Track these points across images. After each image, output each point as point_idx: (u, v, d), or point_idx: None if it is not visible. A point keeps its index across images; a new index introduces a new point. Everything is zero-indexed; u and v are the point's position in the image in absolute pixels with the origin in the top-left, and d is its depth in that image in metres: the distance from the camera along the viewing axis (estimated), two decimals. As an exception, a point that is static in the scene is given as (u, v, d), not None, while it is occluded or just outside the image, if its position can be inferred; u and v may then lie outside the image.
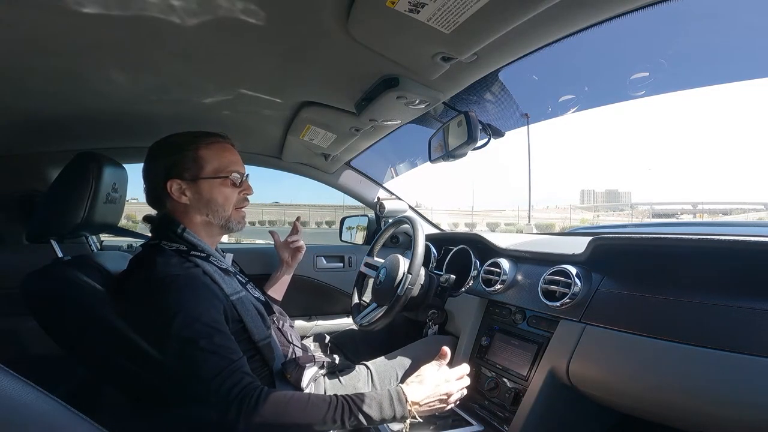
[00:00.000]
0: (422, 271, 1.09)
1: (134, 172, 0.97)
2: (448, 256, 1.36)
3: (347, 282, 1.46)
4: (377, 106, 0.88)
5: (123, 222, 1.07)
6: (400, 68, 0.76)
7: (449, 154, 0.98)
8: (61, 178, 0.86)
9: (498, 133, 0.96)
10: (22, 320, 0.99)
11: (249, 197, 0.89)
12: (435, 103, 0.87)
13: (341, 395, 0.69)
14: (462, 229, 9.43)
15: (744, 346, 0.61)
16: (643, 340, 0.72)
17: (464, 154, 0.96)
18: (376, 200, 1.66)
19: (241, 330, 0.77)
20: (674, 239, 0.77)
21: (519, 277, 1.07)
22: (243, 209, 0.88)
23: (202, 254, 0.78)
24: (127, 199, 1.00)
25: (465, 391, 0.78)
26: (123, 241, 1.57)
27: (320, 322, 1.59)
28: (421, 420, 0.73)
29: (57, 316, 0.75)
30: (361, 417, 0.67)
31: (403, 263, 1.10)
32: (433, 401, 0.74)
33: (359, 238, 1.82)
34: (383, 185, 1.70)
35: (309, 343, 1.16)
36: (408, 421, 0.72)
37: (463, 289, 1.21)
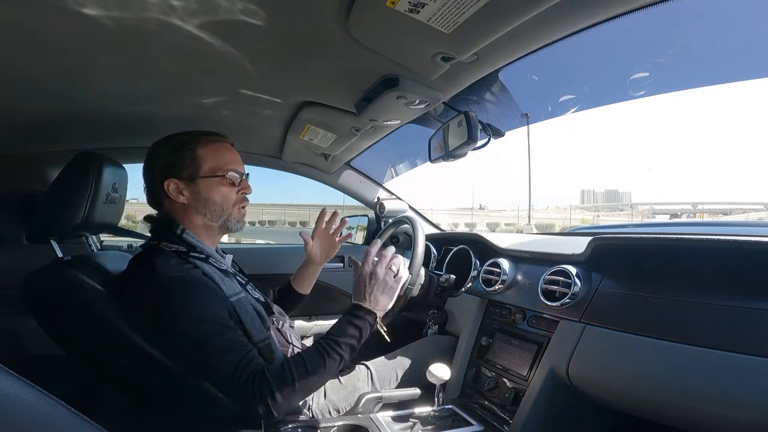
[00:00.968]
0: (422, 271, 1.09)
1: (134, 172, 0.97)
2: (448, 256, 1.36)
3: (347, 282, 1.46)
4: (377, 106, 0.88)
5: (123, 222, 1.07)
6: (400, 68, 0.76)
7: (449, 154, 0.98)
8: (61, 178, 0.86)
9: (498, 133, 0.96)
10: (22, 320, 0.99)
11: (248, 197, 0.89)
12: (435, 103, 0.87)
13: (322, 341, 0.74)
14: (462, 229, 9.43)
15: (744, 346, 0.61)
16: (643, 340, 0.72)
17: (464, 154, 0.96)
18: (376, 200, 1.66)
19: (241, 332, 0.77)
20: (674, 239, 0.77)
21: (519, 277, 1.07)
22: (243, 208, 0.88)
23: (202, 255, 0.78)
24: (127, 199, 1.00)
25: (398, 258, 0.85)
26: (123, 241, 1.57)
27: (320, 322, 1.59)
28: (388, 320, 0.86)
29: (57, 316, 0.75)
30: (348, 350, 0.74)
31: (404, 263, 1.10)
32: (382, 289, 0.80)
33: (359, 238, 1.82)
34: (383, 185, 1.70)
35: (309, 343, 1.15)
36: (380, 324, 0.80)
37: (463, 289, 1.21)
